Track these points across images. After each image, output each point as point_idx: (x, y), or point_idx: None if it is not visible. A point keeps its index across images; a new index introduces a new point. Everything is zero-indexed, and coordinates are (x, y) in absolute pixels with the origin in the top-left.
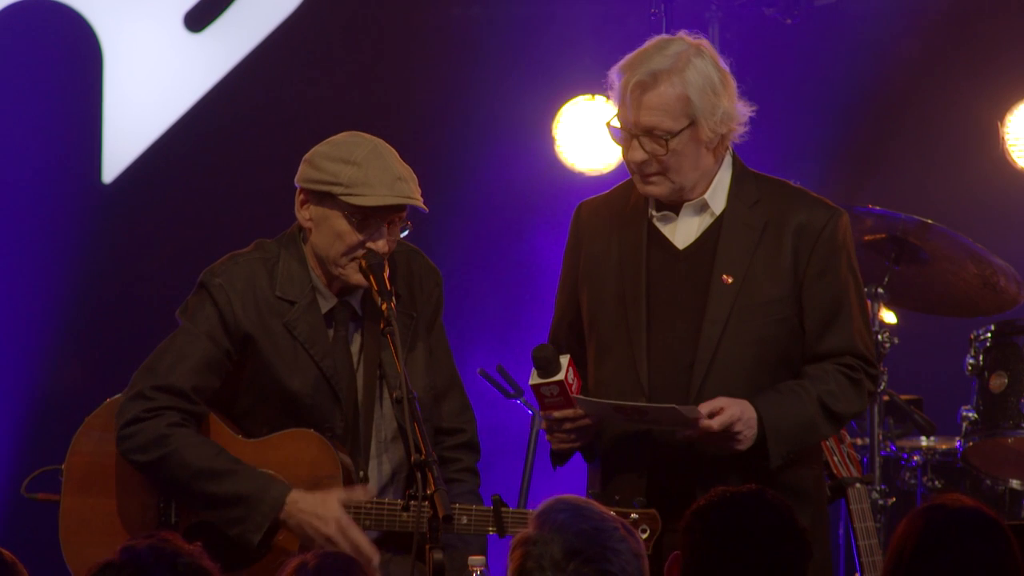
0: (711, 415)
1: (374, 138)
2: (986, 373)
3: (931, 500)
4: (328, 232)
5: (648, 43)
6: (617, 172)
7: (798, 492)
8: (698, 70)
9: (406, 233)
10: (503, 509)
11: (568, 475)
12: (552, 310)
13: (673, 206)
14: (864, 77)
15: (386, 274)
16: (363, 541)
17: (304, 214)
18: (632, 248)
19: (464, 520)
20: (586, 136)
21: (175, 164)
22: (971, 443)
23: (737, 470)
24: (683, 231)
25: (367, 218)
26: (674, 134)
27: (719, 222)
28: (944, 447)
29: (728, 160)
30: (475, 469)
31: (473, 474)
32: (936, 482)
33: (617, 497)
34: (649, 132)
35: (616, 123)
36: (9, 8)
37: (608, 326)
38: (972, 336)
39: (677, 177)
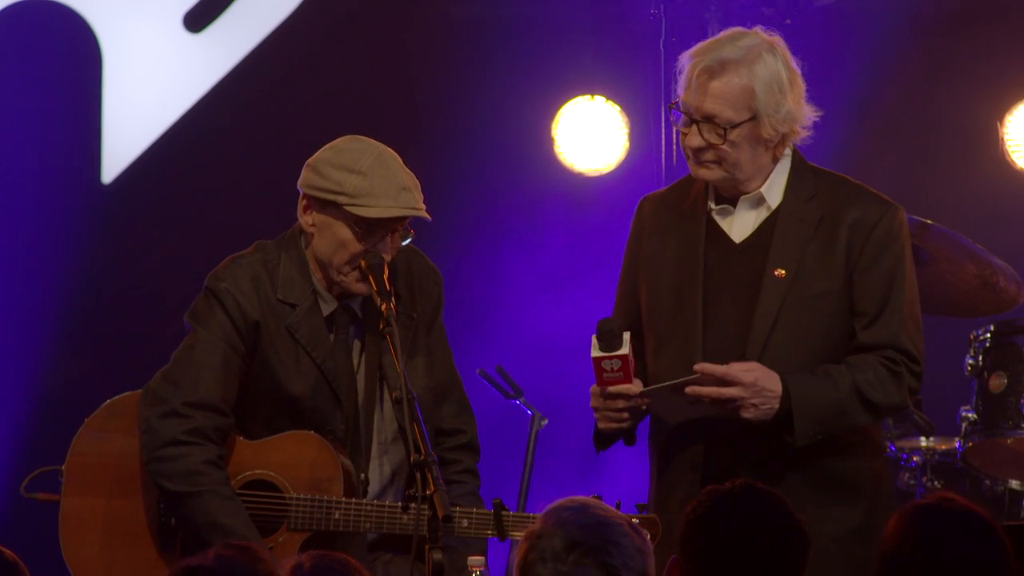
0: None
1: (379, 144)
2: (985, 373)
3: (923, 499)
4: (331, 239)
5: (723, 33)
6: (617, 173)
7: (850, 485)
8: (767, 66)
9: (408, 241)
10: (504, 512)
11: (568, 475)
12: (551, 309)
13: (731, 199)
14: (863, 77)
15: (386, 275)
16: None
17: (307, 219)
18: (690, 242)
19: (465, 523)
20: (585, 136)
21: (174, 164)
22: (970, 443)
23: (789, 459)
24: (740, 225)
25: (371, 228)
26: (734, 125)
27: (775, 216)
28: (943, 447)
29: (788, 154)
30: (475, 470)
31: (473, 475)
32: (936, 482)
33: (619, 501)
34: (710, 120)
35: (679, 106)
36: (9, 8)
37: (665, 320)
38: (971, 336)
39: (732, 168)
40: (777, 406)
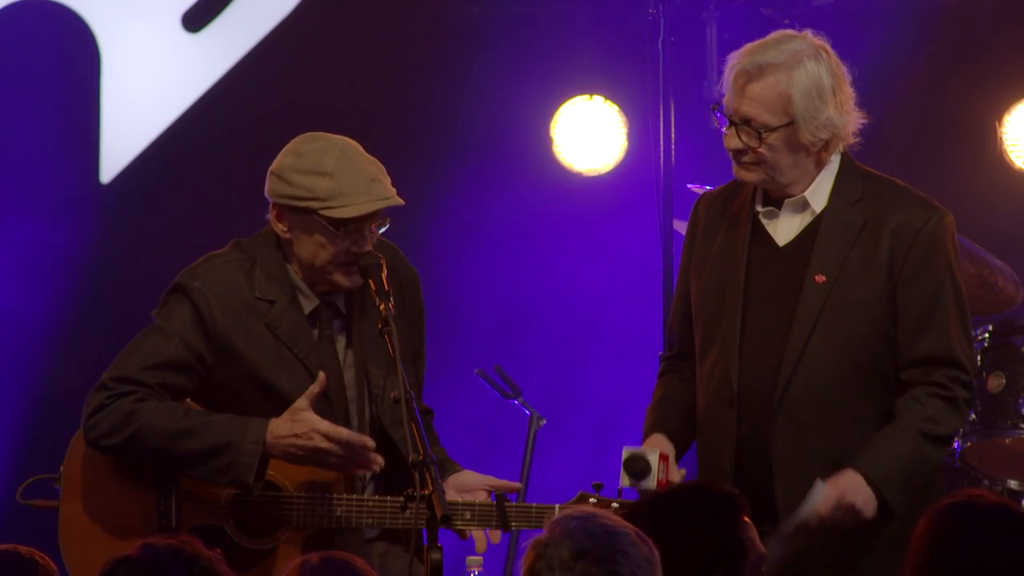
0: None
1: (338, 138)
2: (984, 373)
3: (953, 497)
4: (310, 243)
5: (770, 35)
6: (615, 173)
7: None
8: (808, 72)
9: (385, 229)
10: (507, 504)
11: (567, 476)
12: (549, 309)
13: (777, 202)
14: (862, 77)
15: (384, 275)
16: (351, 437)
17: (280, 226)
18: (735, 244)
19: (468, 515)
20: (584, 136)
21: (173, 164)
22: (969, 443)
23: (823, 464)
24: (785, 228)
25: (348, 226)
26: (771, 129)
27: (818, 220)
28: None
29: (835, 158)
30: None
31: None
32: None
33: (621, 487)
34: (747, 122)
35: (722, 108)
36: (8, 8)
37: (709, 321)
38: None
39: (772, 171)
40: (871, 490)
